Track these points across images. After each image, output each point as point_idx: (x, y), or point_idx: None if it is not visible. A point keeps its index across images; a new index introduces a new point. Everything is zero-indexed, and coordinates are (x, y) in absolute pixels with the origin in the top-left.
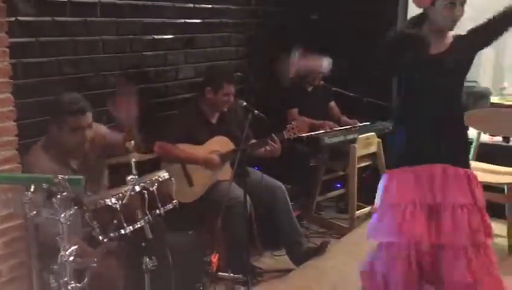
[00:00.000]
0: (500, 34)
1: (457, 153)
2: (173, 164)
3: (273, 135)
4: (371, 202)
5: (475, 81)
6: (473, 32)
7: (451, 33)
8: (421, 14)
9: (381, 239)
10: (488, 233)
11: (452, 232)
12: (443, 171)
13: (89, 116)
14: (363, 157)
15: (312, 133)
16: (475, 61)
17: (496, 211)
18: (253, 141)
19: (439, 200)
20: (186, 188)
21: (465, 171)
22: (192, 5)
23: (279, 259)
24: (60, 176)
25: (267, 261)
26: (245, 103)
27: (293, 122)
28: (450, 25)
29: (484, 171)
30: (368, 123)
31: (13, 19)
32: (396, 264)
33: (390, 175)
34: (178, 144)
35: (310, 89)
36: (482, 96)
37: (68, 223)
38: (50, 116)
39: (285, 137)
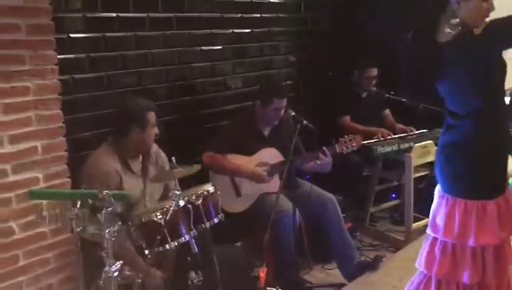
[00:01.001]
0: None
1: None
2: (222, 174)
3: (324, 148)
4: (428, 214)
5: None
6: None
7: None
8: (437, 7)
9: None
10: None
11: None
12: (505, 200)
13: (154, 115)
14: (419, 167)
15: (365, 142)
16: None
17: None
18: (304, 153)
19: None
20: (234, 198)
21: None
22: (240, 15)
23: (331, 273)
24: (105, 192)
25: (317, 274)
26: (293, 113)
27: (346, 136)
28: (480, 21)
29: None
30: (425, 131)
31: (65, 36)
32: None
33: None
34: (227, 154)
35: (364, 95)
36: None
37: (113, 238)
38: (131, 118)
39: (337, 151)
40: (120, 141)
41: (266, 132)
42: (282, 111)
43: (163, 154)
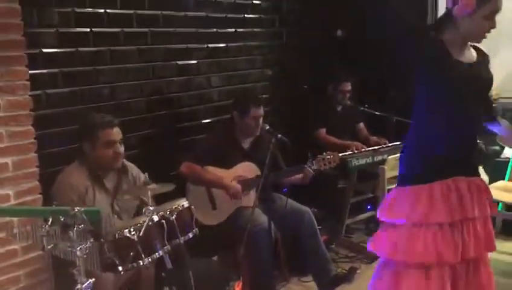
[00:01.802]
0: None
1: (475, 163)
2: (197, 185)
3: (307, 164)
4: None
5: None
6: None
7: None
8: (446, 18)
9: (415, 259)
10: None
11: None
12: (468, 184)
13: (118, 130)
14: (393, 178)
15: (340, 155)
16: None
17: None
18: (285, 168)
19: (469, 215)
20: (210, 210)
21: (482, 181)
22: (215, 30)
23: (307, 285)
24: (76, 208)
25: (294, 287)
26: (268, 127)
27: (324, 153)
28: (482, 37)
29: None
30: (398, 143)
31: (37, 50)
32: (430, 285)
33: (416, 190)
34: (206, 166)
35: (339, 108)
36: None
37: (85, 256)
38: (83, 135)
39: (315, 168)
40: (85, 157)
41: (246, 145)
42: (261, 120)
43: (141, 174)
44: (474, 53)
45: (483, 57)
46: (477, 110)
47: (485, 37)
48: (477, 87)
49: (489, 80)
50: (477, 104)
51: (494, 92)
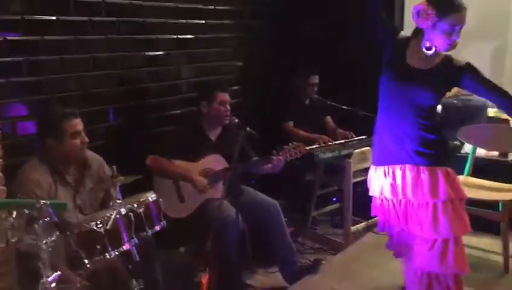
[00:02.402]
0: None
1: (439, 155)
2: (164, 178)
3: (274, 152)
4: (367, 217)
5: (471, 94)
6: (472, 77)
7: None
8: (416, 30)
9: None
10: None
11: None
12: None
13: (80, 120)
14: (358, 172)
15: (307, 148)
16: None
17: (491, 227)
18: (256, 158)
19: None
20: (177, 203)
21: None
22: (184, 21)
23: (273, 276)
24: (42, 201)
25: (260, 278)
26: (236, 120)
27: (290, 144)
28: (446, 48)
29: (479, 188)
30: (364, 137)
31: (1, 38)
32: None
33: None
34: (172, 159)
35: (306, 102)
36: (479, 109)
37: (50, 249)
38: (46, 129)
39: (282, 159)
40: (46, 152)
41: (213, 137)
42: (228, 107)
43: (106, 166)
44: (436, 61)
45: (446, 66)
46: (408, 112)
47: (450, 49)
48: (412, 93)
49: (431, 89)
50: (410, 107)
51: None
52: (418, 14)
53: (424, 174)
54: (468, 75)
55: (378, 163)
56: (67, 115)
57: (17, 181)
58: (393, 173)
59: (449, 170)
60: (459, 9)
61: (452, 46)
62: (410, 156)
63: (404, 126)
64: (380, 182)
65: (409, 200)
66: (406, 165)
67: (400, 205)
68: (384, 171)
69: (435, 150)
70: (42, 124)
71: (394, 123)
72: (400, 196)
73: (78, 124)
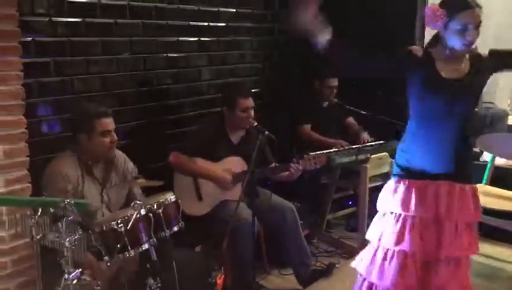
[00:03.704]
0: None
1: (463, 170)
2: (185, 176)
3: (294, 160)
4: None
5: (492, 103)
6: (497, 56)
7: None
8: (435, 35)
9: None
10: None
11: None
12: (449, 188)
13: (112, 120)
14: (375, 177)
15: (324, 152)
16: (492, 81)
17: (509, 237)
18: (274, 165)
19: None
20: (195, 201)
21: (470, 187)
22: (207, 24)
23: (287, 278)
24: (67, 200)
25: (274, 279)
26: (256, 123)
27: (311, 154)
28: (463, 48)
29: (497, 197)
30: (382, 142)
31: (30, 39)
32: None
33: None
34: (194, 158)
35: (325, 104)
36: (500, 118)
37: (73, 247)
38: (79, 125)
39: (301, 167)
40: (77, 147)
41: (235, 140)
42: (252, 112)
43: (130, 163)
44: (467, 64)
45: (478, 63)
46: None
47: (467, 49)
48: (461, 102)
49: (473, 94)
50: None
51: None
52: (429, 16)
53: (456, 193)
54: (495, 59)
55: (415, 177)
56: (100, 113)
57: (47, 174)
58: (425, 188)
59: (475, 187)
60: (470, 6)
61: (469, 46)
62: (447, 172)
63: (444, 139)
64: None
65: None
66: (442, 182)
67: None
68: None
69: (469, 166)
70: (75, 119)
71: (433, 137)
72: (425, 213)
73: (109, 123)
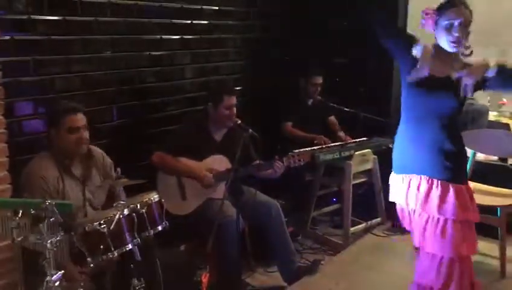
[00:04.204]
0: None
1: (456, 169)
2: (169, 175)
3: (276, 157)
4: (366, 218)
5: (473, 98)
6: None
7: (464, 59)
8: None
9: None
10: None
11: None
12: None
13: (83, 117)
14: (358, 174)
15: (307, 149)
16: None
17: (489, 231)
18: (258, 162)
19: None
20: (179, 201)
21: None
22: (189, 22)
23: (272, 275)
24: (48, 201)
25: (260, 277)
26: (239, 122)
27: (295, 151)
28: (451, 46)
29: (478, 192)
30: (365, 139)
31: (8, 37)
32: None
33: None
34: (177, 157)
35: (309, 102)
36: (480, 113)
37: (55, 248)
38: (48, 121)
39: (285, 164)
40: (52, 145)
41: (218, 138)
42: (234, 110)
43: (108, 159)
44: (459, 65)
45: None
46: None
47: (455, 47)
48: (437, 101)
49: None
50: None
51: None
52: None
53: (437, 189)
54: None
55: (399, 171)
56: (68, 109)
57: (24, 177)
58: (409, 182)
59: (464, 187)
60: (455, 4)
61: (456, 43)
62: (427, 167)
63: (426, 135)
64: (399, 189)
65: (420, 211)
66: (422, 176)
67: (413, 214)
68: (402, 179)
69: (453, 164)
70: (47, 116)
71: (417, 132)
72: (412, 206)
73: (77, 120)
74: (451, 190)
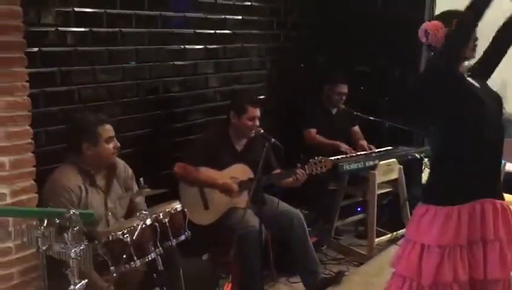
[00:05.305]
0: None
1: (500, 186)
2: (192, 186)
3: (298, 165)
4: (392, 229)
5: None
6: (479, 63)
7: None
8: None
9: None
10: None
11: (499, 267)
12: (493, 206)
13: (111, 127)
14: (383, 184)
15: (331, 158)
16: (500, 86)
17: None
18: (279, 171)
19: (490, 237)
20: (202, 210)
21: (506, 204)
22: (213, 31)
23: (295, 286)
24: (72, 211)
25: (282, 287)
26: (262, 131)
27: (317, 158)
28: (470, 52)
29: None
30: (390, 148)
31: (36, 49)
32: None
33: (435, 211)
34: (199, 167)
35: (333, 111)
36: (509, 123)
37: (79, 258)
38: (82, 134)
39: (307, 172)
40: (79, 157)
41: (239, 147)
42: (257, 121)
43: (129, 170)
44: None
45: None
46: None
47: (471, 57)
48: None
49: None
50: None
51: None
52: (428, 35)
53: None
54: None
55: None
56: (102, 120)
57: (48, 187)
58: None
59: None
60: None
61: (475, 49)
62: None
63: (488, 155)
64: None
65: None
66: (485, 200)
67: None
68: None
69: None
70: (78, 128)
71: (479, 155)
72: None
73: (111, 129)
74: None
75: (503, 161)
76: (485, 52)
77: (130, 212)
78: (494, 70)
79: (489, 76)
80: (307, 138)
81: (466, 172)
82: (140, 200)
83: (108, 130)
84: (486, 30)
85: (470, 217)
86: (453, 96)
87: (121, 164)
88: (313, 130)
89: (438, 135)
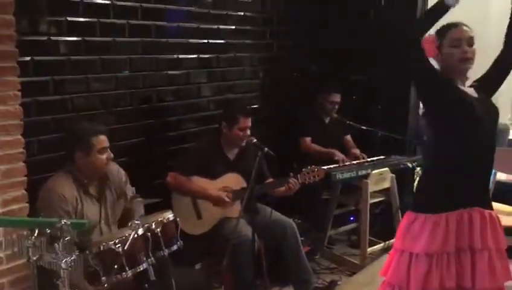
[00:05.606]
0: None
1: (489, 195)
2: (184, 196)
3: (291, 175)
4: (384, 238)
5: None
6: (480, 81)
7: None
8: None
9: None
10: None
11: (488, 276)
12: (481, 215)
13: (106, 138)
14: (376, 193)
15: (324, 167)
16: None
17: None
18: (270, 179)
19: (477, 245)
20: (195, 220)
21: (495, 213)
22: (206, 41)
23: None
24: (63, 221)
25: None
26: (255, 140)
27: (309, 167)
28: (461, 63)
29: (498, 213)
30: (382, 157)
31: (29, 58)
32: None
33: (423, 219)
34: (192, 176)
35: (326, 120)
36: (501, 132)
37: (70, 268)
38: (75, 144)
39: (300, 181)
40: (73, 166)
41: (231, 156)
42: (248, 131)
43: (123, 173)
44: (471, 90)
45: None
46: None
47: (463, 67)
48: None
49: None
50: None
51: None
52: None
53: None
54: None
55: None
56: (97, 131)
57: (43, 197)
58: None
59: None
60: (456, 25)
61: (465, 58)
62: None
63: (478, 165)
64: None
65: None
66: (473, 209)
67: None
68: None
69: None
70: (72, 138)
71: (469, 164)
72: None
73: (105, 140)
74: (498, 217)
75: (493, 171)
76: (487, 73)
77: (126, 218)
78: (497, 89)
79: (493, 94)
80: (302, 146)
81: (456, 181)
82: (137, 207)
83: (102, 140)
84: (489, 50)
85: (457, 225)
86: (442, 101)
87: (113, 167)
88: (308, 139)
89: (429, 144)
